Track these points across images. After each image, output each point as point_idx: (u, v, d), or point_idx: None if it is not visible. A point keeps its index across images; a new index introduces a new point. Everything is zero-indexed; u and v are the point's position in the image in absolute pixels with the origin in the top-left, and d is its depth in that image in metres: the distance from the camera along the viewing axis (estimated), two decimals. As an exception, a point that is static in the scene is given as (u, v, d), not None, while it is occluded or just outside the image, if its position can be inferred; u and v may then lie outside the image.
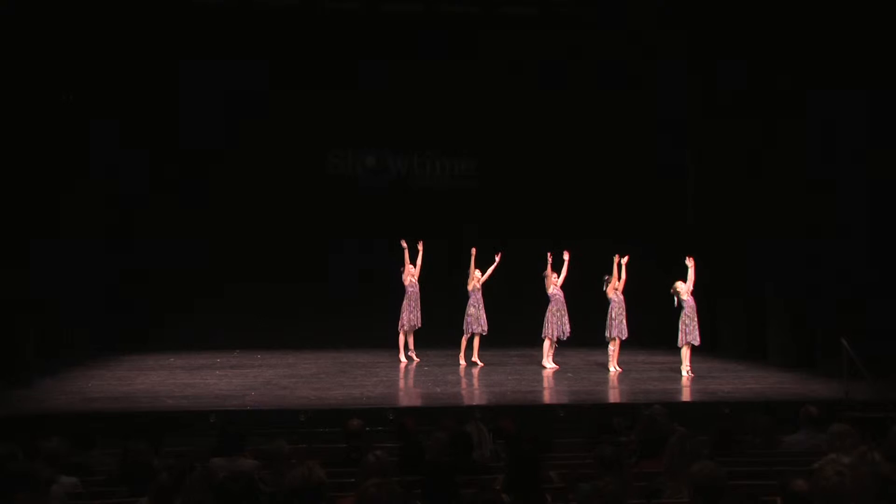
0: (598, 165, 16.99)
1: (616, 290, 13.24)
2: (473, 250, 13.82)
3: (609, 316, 13.22)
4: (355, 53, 16.26)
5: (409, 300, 13.94)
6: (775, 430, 7.43)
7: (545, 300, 13.60)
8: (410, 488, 5.00)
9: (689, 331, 12.79)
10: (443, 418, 7.57)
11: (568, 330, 13.48)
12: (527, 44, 16.41)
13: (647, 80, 16.72)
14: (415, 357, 14.18)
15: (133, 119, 15.71)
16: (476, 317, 13.69)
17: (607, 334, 13.22)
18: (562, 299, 13.51)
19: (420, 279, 14.11)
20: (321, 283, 16.33)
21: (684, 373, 12.81)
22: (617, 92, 16.70)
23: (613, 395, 11.62)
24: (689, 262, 12.92)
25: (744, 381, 12.23)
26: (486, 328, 13.75)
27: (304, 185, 16.64)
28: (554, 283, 13.49)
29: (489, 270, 13.85)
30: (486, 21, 16.21)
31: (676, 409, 9.58)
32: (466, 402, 11.16)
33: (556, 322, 13.42)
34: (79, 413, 9.77)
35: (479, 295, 13.78)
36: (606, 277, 13.32)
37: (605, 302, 13.29)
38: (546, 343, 13.52)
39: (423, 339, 14.42)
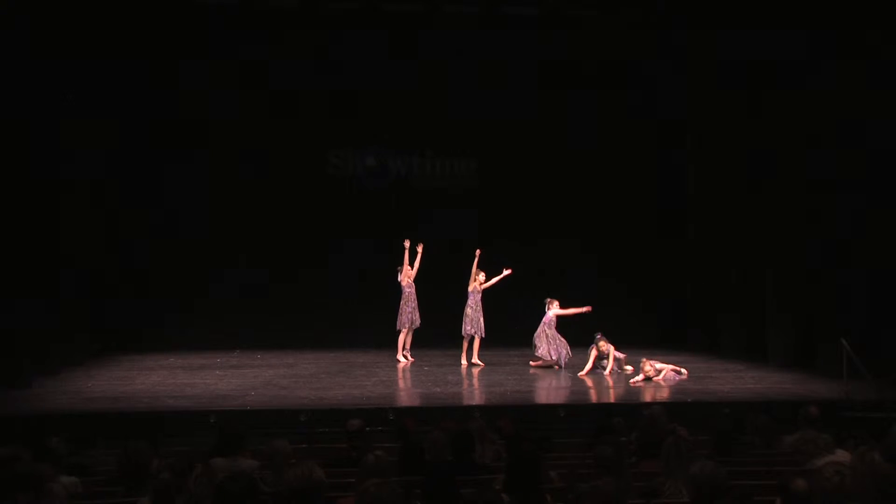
0: (599, 165, 16.98)
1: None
2: (478, 251, 13.81)
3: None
4: (355, 53, 16.25)
5: (408, 301, 13.94)
6: (775, 430, 7.43)
7: (542, 298, 13.69)
8: (410, 488, 5.00)
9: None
10: (443, 418, 7.58)
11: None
12: (527, 44, 16.41)
13: (648, 80, 16.71)
14: (409, 357, 14.15)
15: (133, 119, 15.71)
16: (472, 319, 13.68)
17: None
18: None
19: (421, 279, 14.10)
20: (321, 283, 16.33)
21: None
22: (617, 92, 16.70)
23: (613, 395, 11.61)
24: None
25: (744, 381, 12.22)
26: (483, 331, 13.73)
27: (304, 185, 16.63)
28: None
29: (494, 280, 13.82)
30: (486, 21, 16.20)
31: (676, 409, 9.58)
32: (466, 402, 11.16)
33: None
34: (79, 413, 9.78)
35: (479, 297, 13.76)
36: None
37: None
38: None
39: (424, 339, 14.41)
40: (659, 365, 12.43)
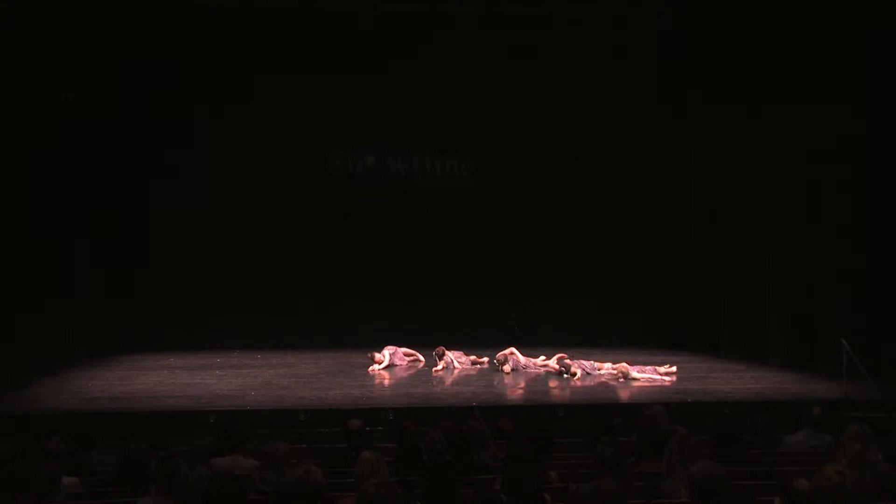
0: (599, 165, 16.96)
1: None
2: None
3: None
4: (355, 53, 16.24)
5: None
6: (775, 430, 7.44)
7: (542, 298, 13.67)
8: (410, 488, 5.01)
9: None
10: (443, 418, 7.57)
11: None
12: (527, 44, 16.38)
13: (648, 81, 16.69)
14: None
15: (134, 119, 15.71)
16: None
17: None
18: None
19: (422, 280, 14.13)
20: (321, 283, 16.31)
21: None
22: (617, 92, 16.67)
23: (613, 395, 11.59)
24: None
25: (744, 381, 12.22)
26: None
27: (304, 185, 16.63)
28: None
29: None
30: (486, 21, 16.18)
31: (676, 409, 9.57)
32: (466, 402, 11.13)
33: None
34: (79, 413, 9.77)
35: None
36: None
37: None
38: None
39: (424, 339, 14.39)
40: (636, 374, 12.37)
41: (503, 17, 16.14)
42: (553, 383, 12.40)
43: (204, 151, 16.22)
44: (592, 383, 12.32)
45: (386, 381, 12.46)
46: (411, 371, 13.53)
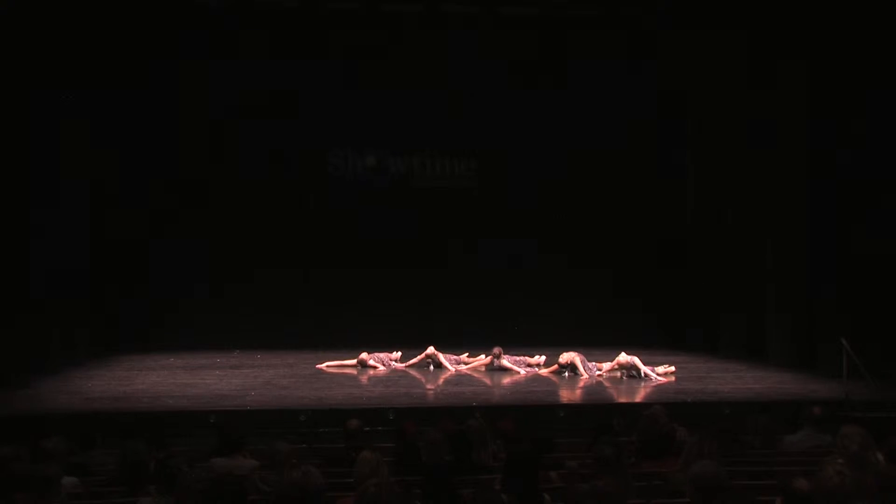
0: (599, 165, 16.96)
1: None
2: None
3: None
4: (355, 53, 16.24)
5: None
6: (775, 430, 7.44)
7: (542, 298, 13.65)
8: (410, 488, 5.01)
9: None
10: (443, 418, 7.58)
11: None
12: (527, 44, 16.39)
13: (647, 81, 16.68)
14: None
15: (134, 119, 15.70)
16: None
17: None
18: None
19: (422, 282, 14.11)
20: (321, 283, 16.31)
21: None
22: (616, 92, 16.67)
23: (613, 396, 11.60)
24: None
25: (744, 381, 12.22)
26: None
27: (303, 185, 16.63)
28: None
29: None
30: (486, 21, 16.19)
31: (676, 409, 9.56)
32: (467, 402, 11.13)
33: None
34: (79, 413, 9.77)
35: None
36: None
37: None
38: None
39: (424, 339, 14.39)
40: (639, 363, 12.43)
41: (503, 17, 16.15)
42: (554, 383, 12.41)
43: (204, 151, 16.21)
44: (592, 383, 12.33)
45: (386, 382, 12.44)
46: (411, 371, 13.52)
